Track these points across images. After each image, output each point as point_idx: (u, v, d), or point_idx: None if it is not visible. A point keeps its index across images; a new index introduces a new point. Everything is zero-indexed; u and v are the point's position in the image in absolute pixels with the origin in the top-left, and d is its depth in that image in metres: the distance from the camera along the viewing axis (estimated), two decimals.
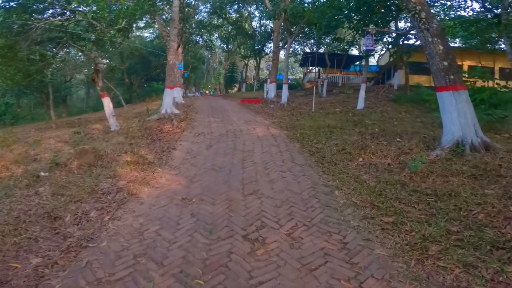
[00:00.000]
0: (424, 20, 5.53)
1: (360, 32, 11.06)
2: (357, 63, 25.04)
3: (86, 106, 34.41)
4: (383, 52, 24.86)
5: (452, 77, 5.33)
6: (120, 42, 10.87)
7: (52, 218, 3.76)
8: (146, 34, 31.04)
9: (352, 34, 12.17)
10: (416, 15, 5.61)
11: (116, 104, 25.28)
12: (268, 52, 31.37)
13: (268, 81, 17.56)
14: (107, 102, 8.16)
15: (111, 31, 10.28)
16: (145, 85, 33.30)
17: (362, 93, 10.29)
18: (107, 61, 29.00)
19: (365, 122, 7.99)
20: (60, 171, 5.23)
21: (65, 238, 3.40)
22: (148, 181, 4.86)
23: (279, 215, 3.71)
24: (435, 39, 5.55)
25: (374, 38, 10.82)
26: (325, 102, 12.84)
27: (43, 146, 7.11)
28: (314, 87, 11.63)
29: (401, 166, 5.02)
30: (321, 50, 23.69)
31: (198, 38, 26.17)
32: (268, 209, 3.85)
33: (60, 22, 9.29)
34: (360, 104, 10.12)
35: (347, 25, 11.33)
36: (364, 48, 8.13)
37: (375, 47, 8.11)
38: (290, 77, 29.09)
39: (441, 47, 5.52)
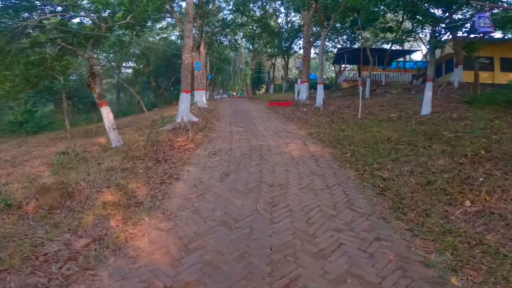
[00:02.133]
0: None
1: (421, 20, 8.49)
2: (401, 59, 22.01)
3: (118, 110, 34.59)
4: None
5: None
6: (129, 42, 9.46)
7: None
8: (172, 37, 30.34)
9: (410, 22, 9.66)
10: None
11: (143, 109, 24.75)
12: (297, 50, 29.17)
13: (299, 81, 15.46)
14: (106, 112, 6.67)
15: (117, 29, 8.94)
16: (172, 88, 32.71)
17: (428, 94, 7.83)
18: (133, 64, 28.75)
19: (444, 135, 5.67)
20: (11, 215, 3.66)
21: None
22: (122, 243, 3.10)
23: None
24: None
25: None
26: (371, 105, 10.48)
27: (23, 169, 5.74)
28: (360, 87, 9.33)
29: None
30: (355, 46, 21.08)
31: (222, 38, 24.71)
32: None
33: (61, 21, 8.08)
34: (426, 109, 7.69)
35: (402, 10, 8.82)
36: (478, 30, 5.75)
37: (493, 28, 5.72)
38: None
39: None
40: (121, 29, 9.38)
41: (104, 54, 21.84)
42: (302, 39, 17.18)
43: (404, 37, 12.18)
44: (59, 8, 7.63)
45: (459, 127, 6.09)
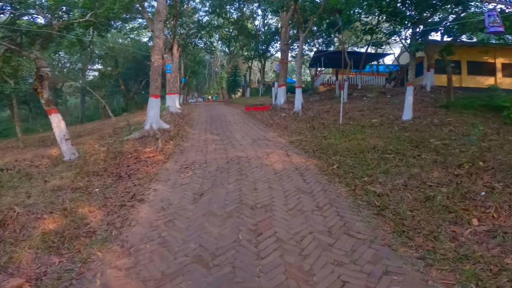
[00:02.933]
0: None
1: (401, 21, 8.36)
2: (374, 62, 22.49)
3: (82, 115, 32.21)
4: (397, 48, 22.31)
5: None
6: (90, 41, 8.49)
7: None
8: (144, 39, 28.78)
9: (389, 24, 9.58)
10: None
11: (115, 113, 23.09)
12: (274, 53, 29.04)
13: (276, 84, 15.08)
14: (56, 121, 5.72)
15: (76, 28, 7.97)
16: (143, 92, 31.12)
17: (409, 99, 7.64)
18: (100, 66, 26.89)
19: (430, 143, 5.43)
20: None
21: None
22: (66, 286, 2.39)
23: None
24: None
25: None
26: (351, 109, 10.28)
27: None
28: (342, 91, 9.07)
29: None
30: (331, 49, 21.21)
31: (197, 40, 23.84)
32: None
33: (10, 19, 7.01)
34: (407, 114, 7.51)
35: (384, 12, 8.63)
36: (488, 30, 5.41)
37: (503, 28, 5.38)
38: (295, 79, 26.58)
39: None
40: (81, 28, 8.41)
41: (65, 56, 20.11)
42: (280, 42, 16.90)
43: (385, 39, 12.19)
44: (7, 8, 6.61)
45: (444, 133, 5.91)
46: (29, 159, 6.06)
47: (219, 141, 7.33)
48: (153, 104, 8.82)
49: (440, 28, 9.12)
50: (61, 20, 6.41)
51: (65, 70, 21.70)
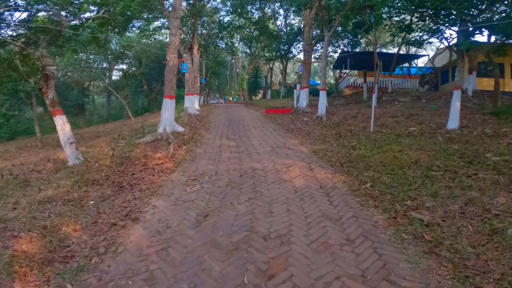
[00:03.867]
0: None
1: (442, 17, 7.30)
2: (405, 64, 20.97)
3: (108, 114, 33.06)
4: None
5: None
6: (105, 39, 8.23)
7: None
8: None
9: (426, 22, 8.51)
10: None
11: (135, 114, 23.35)
12: (296, 54, 28.17)
13: (298, 86, 14.27)
14: (60, 123, 5.35)
15: (91, 25, 7.73)
16: None
17: (456, 104, 6.54)
18: (124, 66, 27.39)
19: (487, 158, 4.45)
20: None
21: None
22: None
23: None
24: None
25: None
26: (382, 115, 9.29)
27: None
28: (374, 94, 8.17)
29: None
30: (356, 50, 20.03)
31: (218, 41, 23.55)
32: None
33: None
34: (453, 122, 6.44)
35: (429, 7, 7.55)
36: None
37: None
38: (318, 81, 25.44)
39: None
40: (98, 27, 8.19)
41: (91, 56, 20.51)
42: (303, 42, 16.12)
43: (427, 37, 10.97)
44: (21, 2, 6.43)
45: (503, 147, 4.87)
46: (34, 163, 5.77)
47: (235, 148, 6.70)
48: (168, 105, 8.39)
49: (489, 26, 7.89)
50: (73, 17, 6.11)
51: (88, 69, 22.18)
